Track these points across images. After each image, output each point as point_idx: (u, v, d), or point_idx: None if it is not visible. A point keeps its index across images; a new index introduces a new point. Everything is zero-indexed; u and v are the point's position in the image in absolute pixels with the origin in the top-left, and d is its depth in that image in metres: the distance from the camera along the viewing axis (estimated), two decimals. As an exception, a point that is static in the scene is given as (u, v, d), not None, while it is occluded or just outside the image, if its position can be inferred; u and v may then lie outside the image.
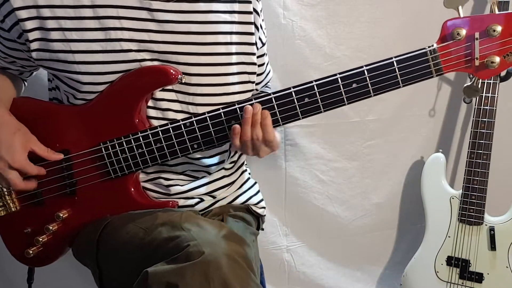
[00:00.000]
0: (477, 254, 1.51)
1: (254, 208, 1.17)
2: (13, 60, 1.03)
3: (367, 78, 0.91)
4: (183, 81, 0.95)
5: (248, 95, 1.04)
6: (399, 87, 0.92)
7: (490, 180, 1.47)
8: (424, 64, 0.91)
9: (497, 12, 0.88)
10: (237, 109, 0.94)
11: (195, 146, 0.97)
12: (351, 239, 1.78)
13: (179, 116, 0.98)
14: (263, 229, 1.23)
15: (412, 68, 0.91)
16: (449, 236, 1.54)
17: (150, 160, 0.98)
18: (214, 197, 1.10)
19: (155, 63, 0.95)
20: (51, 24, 0.91)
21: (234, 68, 1.01)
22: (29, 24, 0.91)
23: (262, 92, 1.18)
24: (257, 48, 1.05)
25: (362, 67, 0.91)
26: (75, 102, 0.98)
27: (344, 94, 0.92)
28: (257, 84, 1.12)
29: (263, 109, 0.93)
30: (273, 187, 1.65)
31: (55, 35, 0.92)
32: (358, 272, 1.83)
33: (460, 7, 0.88)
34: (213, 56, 0.98)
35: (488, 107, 1.45)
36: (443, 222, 1.55)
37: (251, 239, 1.05)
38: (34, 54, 0.94)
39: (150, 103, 0.98)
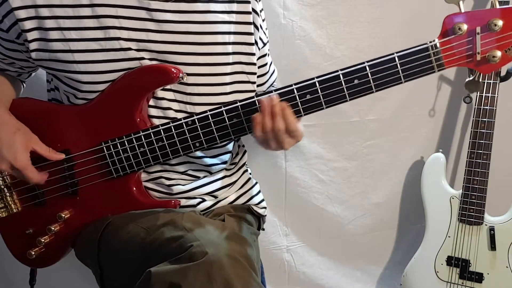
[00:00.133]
0: (477, 254, 1.51)
1: (255, 208, 1.17)
2: (12, 61, 1.02)
3: (369, 74, 0.91)
4: (185, 80, 0.95)
5: (248, 95, 1.03)
6: (401, 82, 0.92)
7: (490, 180, 1.47)
8: (425, 59, 0.91)
9: (498, 6, 0.88)
10: (239, 106, 0.94)
11: (197, 144, 0.96)
12: (351, 239, 1.78)
13: (180, 115, 0.98)
14: (263, 229, 1.23)
15: (414, 64, 0.91)
16: (449, 236, 1.54)
17: (151, 159, 0.97)
18: (215, 197, 1.10)
19: (154, 62, 0.95)
20: (50, 23, 0.91)
21: (231, 68, 1.01)
22: (28, 24, 0.91)
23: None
24: (258, 48, 1.05)
25: (363, 63, 0.91)
26: (76, 102, 0.98)
27: (346, 90, 0.92)
28: (262, 84, 1.12)
29: None
30: (273, 187, 1.64)
31: (54, 34, 0.92)
32: (358, 272, 1.83)
33: (461, 2, 0.88)
34: (211, 56, 0.98)
35: (488, 107, 1.45)
36: (443, 222, 1.55)
37: (252, 239, 1.05)
38: (33, 54, 0.94)
39: (151, 102, 0.98)
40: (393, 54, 0.91)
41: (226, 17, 1.00)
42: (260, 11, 1.05)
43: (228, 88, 1.01)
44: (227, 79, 1.01)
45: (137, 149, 0.97)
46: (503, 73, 1.43)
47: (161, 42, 0.95)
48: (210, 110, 0.95)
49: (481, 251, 1.51)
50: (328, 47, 1.55)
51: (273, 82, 1.19)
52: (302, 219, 1.72)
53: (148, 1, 0.93)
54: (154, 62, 0.95)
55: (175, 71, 0.93)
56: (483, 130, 1.46)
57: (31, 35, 0.92)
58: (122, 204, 1.00)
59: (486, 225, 1.49)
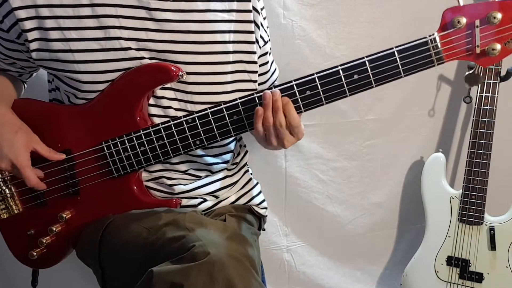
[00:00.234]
0: (477, 254, 1.51)
1: (256, 208, 1.17)
2: (13, 61, 1.03)
3: (369, 69, 0.91)
4: (184, 78, 0.95)
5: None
6: (401, 77, 0.92)
7: (490, 180, 1.47)
8: (425, 53, 0.90)
9: None
10: (239, 103, 0.94)
11: (198, 142, 0.96)
12: (351, 239, 1.78)
13: (180, 114, 0.98)
14: (264, 230, 1.23)
15: (413, 58, 0.90)
16: (449, 236, 1.54)
17: (152, 158, 0.97)
18: (217, 197, 1.10)
19: (154, 61, 0.95)
20: (50, 23, 0.91)
21: (232, 67, 1.01)
22: (28, 24, 0.91)
23: None
24: (259, 47, 1.05)
25: (363, 57, 0.91)
26: (76, 102, 0.98)
27: (345, 86, 0.92)
28: (263, 83, 1.12)
29: None
30: (273, 187, 1.64)
31: (54, 34, 0.92)
32: (358, 272, 1.82)
33: None
34: (211, 55, 0.99)
35: (488, 107, 1.45)
36: (443, 222, 1.55)
37: (253, 240, 1.05)
38: (33, 54, 0.94)
39: (151, 101, 0.98)
40: (392, 48, 0.91)
41: (226, 16, 1.00)
42: (261, 9, 1.05)
43: (229, 87, 1.01)
44: (228, 77, 1.01)
45: (137, 148, 0.97)
46: (503, 73, 1.43)
47: (161, 41, 0.95)
48: (210, 108, 0.95)
49: (481, 251, 1.51)
50: (328, 47, 1.55)
51: (274, 81, 1.19)
52: (302, 219, 1.71)
53: (148, 0, 0.93)
54: (154, 61, 0.95)
55: (174, 69, 0.93)
56: (483, 130, 1.46)
57: (31, 35, 0.92)
58: (123, 203, 1.00)
59: (486, 225, 1.49)
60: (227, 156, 1.10)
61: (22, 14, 0.90)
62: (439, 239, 1.56)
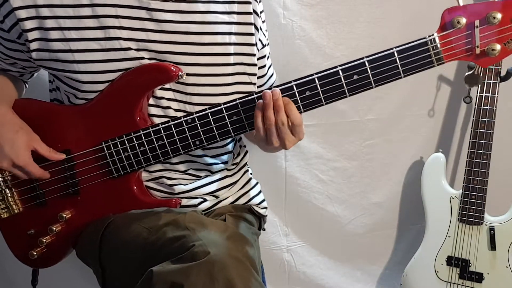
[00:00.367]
0: (477, 254, 1.51)
1: (256, 208, 1.17)
2: (14, 61, 1.03)
3: (368, 69, 0.91)
4: (184, 78, 0.95)
5: None
6: (401, 77, 0.91)
7: (490, 180, 1.47)
8: (424, 53, 0.90)
9: None
10: (238, 104, 0.94)
11: (197, 142, 0.96)
12: (351, 239, 1.78)
13: (179, 114, 0.98)
14: (264, 229, 1.23)
15: (413, 58, 0.90)
16: (449, 236, 1.54)
17: (152, 158, 0.97)
18: (217, 197, 1.10)
19: (154, 62, 0.95)
20: (50, 23, 0.91)
21: (232, 69, 1.01)
22: (29, 24, 0.91)
23: None
24: (257, 50, 1.05)
25: (363, 58, 0.91)
26: (76, 102, 0.98)
27: (345, 86, 0.92)
28: (259, 87, 1.12)
29: None
30: (273, 187, 1.64)
31: (54, 34, 0.92)
32: (358, 272, 1.83)
33: None
34: (211, 56, 0.98)
35: (488, 107, 1.45)
36: (443, 222, 1.55)
37: (253, 239, 1.05)
38: (34, 54, 0.94)
39: (151, 101, 0.98)
40: (392, 49, 0.90)
41: (226, 18, 1.00)
42: (261, 12, 1.05)
43: (229, 89, 1.01)
44: (229, 79, 1.01)
45: (137, 148, 0.97)
46: (503, 73, 1.43)
47: (161, 42, 0.95)
48: (209, 108, 0.95)
49: (481, 251, 1.51)
50: (327, 47, 1.55)
51: (271, 85, 1.19)
52: (302, 219, 1.71)
53: (148, 1, 0.93)
54: (153, 62, 0.95)
55: (174, 70, 0.93)
56: (483, 130, 1.46)
57: (31, 35, 0.92)
58: (123, 203, 1.00)
59: (486, 225, 1.49)
60: (227, 156, 1.10)
61: (22, 14, 0.90)
62: (439, 239, 1.56)
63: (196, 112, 0.95)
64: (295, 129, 0.92)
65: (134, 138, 0.96)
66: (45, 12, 0.91)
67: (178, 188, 1.04)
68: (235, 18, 1.01)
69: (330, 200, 1.72)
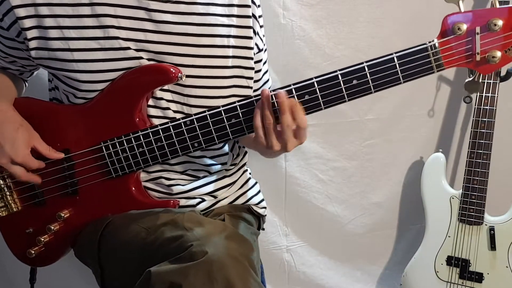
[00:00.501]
0: (477, 254, 1.51)
1: (255, 208, 1.17)
2: (13, 59, 1.03)
3: (368, 74, 0.90)
4: (184, 80, 0.95)
5: None
6: (400, 83, 0.91)
7: (490, 180, 1.47)
8: (424, 59, 0.89)
9: (498, 6, 0.87)
10: (237, 107, 0.94)
11: (196, 144, 0.96)
12: (351, 239, 1.78)
13: (179, 116, 0.98)
14: (263, 229, 1.23)
15: (413, 64, 0.89)
16: (449, 236, 1.54)
17: (150, 159, 0.97)
18: (215, 197, 1.10)
19: (151, 63, 0.95)
20: (49, 22, 0.91)
21: (230, 72, 1.01)
22: (28, 23, 0.91)
23: None
24: (254, 54, 1.04)
25: (362, 63, 0.90)
26: (76, 102, 0.98)
27: (344, 91, 0.91)
28: (254, 90, 1.11)
29: None
30: (273, 187, 1.64)
31: (53, 33, 0.92)
32: (358, 272, 1.83)
33: (460, 2, 0.87)
34: (209, 58, 0.98)
35: (488, 107, 1.45)
36: (443, 222, 1.55)
37: (252, 239, 1.05)
38: (32, 53, 0.94)
39: (150, 102, 0.98)
40: (392, 54, 0.90)
41: (225, 21, 1.00)
42: (259, 16, 1.05)
43: (226, 92, 1.00)
44: (226, 82, 1.00)
45: (136, 149, 0.97)
46: (503, 73, 1.43)
47: (159, 42, 0.95)
48: (208, 110, 0.94)
49: (481, 251, 1.51)
50: (327, 47, 1.55)
51: None
52: (302, 219, 1.71)
53: (147, 1, 0.93)
54: (151, 63, 0.95)
55: (174, 71, 0.93)
56: (483, 130, 1.46)
57: (30, 34, 0.92)
58: (121, 203, 1.00)
59: (486, 225, 1.49)
60: (226, 157, 1.10)
61: (21, 12, 0.90)
62: (439, 239, 1.56)
63: (195, 114, 0.95)
64: (300, 132, 0.91)
65: (133, 139, 0.96)
66: (44, 10, 0.91)
67: (176, 189, 1.04)
68: (234, 21, 1.01)
69: (330, 200, 1.71)
